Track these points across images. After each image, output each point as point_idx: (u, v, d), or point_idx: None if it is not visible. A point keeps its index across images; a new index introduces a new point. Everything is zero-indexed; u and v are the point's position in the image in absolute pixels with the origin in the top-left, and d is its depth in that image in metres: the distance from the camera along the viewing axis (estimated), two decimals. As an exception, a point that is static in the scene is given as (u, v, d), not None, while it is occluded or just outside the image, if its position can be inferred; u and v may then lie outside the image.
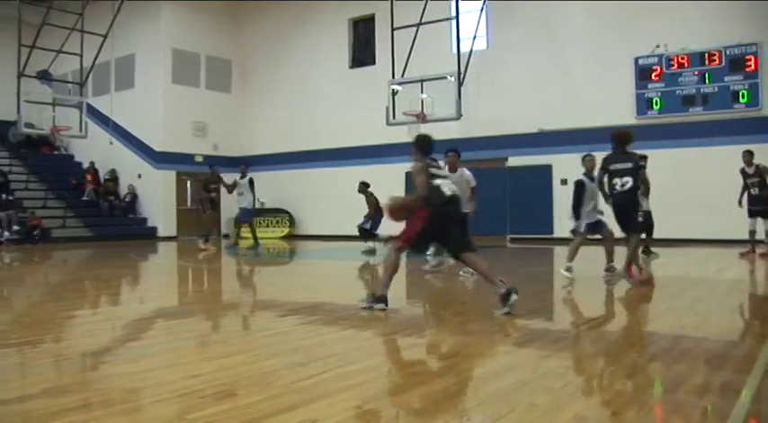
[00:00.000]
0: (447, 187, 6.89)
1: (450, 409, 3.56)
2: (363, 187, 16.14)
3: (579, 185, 9.85)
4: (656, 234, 13.37)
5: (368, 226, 16.04)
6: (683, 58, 17.22)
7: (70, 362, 4.85)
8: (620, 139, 9.06)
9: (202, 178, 18.02)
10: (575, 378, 4.12)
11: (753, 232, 13.09)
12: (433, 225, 6.73)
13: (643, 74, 17.73)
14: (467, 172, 10.63)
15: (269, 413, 3.36)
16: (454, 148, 10.94)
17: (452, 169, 10.38)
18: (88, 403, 3.67)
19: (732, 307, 7.43)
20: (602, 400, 3.62)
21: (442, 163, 8.03)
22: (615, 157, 8.99)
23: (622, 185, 8.82)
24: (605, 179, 9.18)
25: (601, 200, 9.62)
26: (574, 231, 9.99)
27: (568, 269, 9.72)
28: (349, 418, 3.36)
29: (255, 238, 17.14)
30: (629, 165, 8.85)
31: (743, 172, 13.27)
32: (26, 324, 6.59)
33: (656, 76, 17.55)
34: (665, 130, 17.16)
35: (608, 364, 4.67)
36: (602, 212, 9.83)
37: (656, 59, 17.54)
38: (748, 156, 13.13)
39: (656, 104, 17.56)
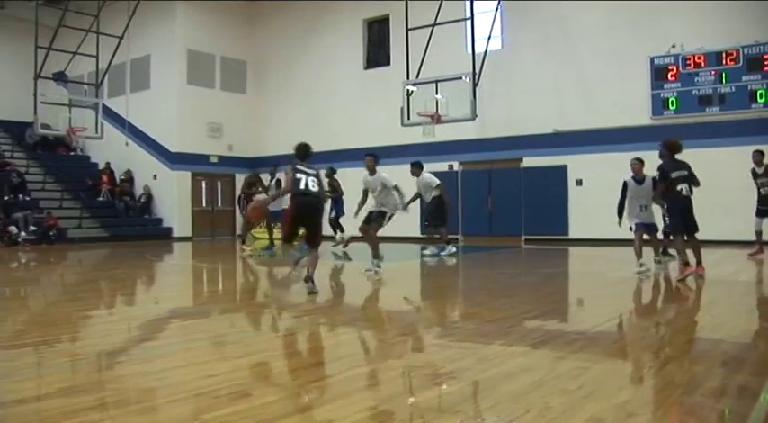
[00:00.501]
0: (304, 182, 8.30)
1: (465, 409, 3.55)
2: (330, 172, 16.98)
3: (622, 185, 10.80)
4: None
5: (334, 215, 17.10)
6: (699, 58, 17.08)
7: (86, 361, 4.87)
8: (673, 148, 9.84)
9: (246, 180, 18.20)
10: (590, 379, 4.10)
11: (759, 233, 13.09)
12: (296, 213, 8.37)
13: (659, 74, 17.59)
14: (383, 174, 11.51)
15: (284, 413, 3.37)
16: (371, 153, 12.11)
17: (371, 172, 11.66)
18: (104, 403, 3.69)
19: (749, 309, 7.37)
20: (618, 402, 3.60)
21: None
22: (673, 165, 9.70)
23: (685, 191, 9.63)
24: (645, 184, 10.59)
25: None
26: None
27: (640, 265, 10.30)
28: (364, 418, 3.36)
29: (272, 240, 17.19)
30: (685, 172, 9.66)
31: (753, 172, 13.18)
32: (42, 324, 6.62)
33: (672, 75, 17.41)
34: (681, 131, 16.94)
35: (623, 365, 4.65)
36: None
37: (672, 59, 17.41)
38: (759, 156, 13.06)
39: (672, 104, 17.43)
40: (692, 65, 17.16)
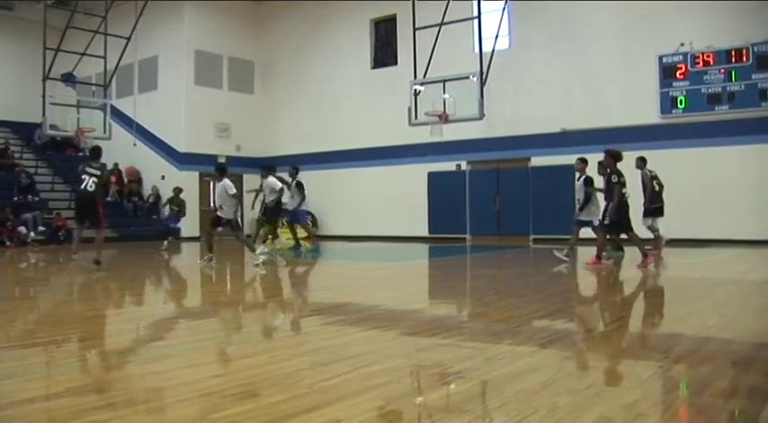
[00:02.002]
0: (85, 183, 11.14)
1: (473, 409, 3.54)
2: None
3: None
4: (682, 234, 14.96)
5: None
6: (708, 56, 16.99)
7: (95, 361, 4.89)
8: (618, 157, 11.33)
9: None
10: (598, 379, 4.09)
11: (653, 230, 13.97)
12: (75, 208, 11.64)
13: (667, 72, 17.51)
14: (227, 182, 12.89)
15: (291, 413, 3.36)
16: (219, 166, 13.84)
17: (219, 180, 13.11)
18: (112, 402, 3.70)
19: (759, 309, 7.33)
20: (627, 402, 3.58)
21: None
22: (619, 172, 11.13)
23: (627, 195, 11.25)
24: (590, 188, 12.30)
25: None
26: None
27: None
28: (371, 418, 3.35)
29: (297, 240, 17.81)
30: (624, 179, 11.23)
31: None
32: (52, 323, 6.65)
33: (680, 74, 17.32)
34: (690, 129, 16.99)
35: (632, 365, 4.62)
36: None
37: (680, 58, 17.32)
38: (641, 162, 13.80)
39: (681, 103, 17.34)
40: (701, 63, 17.07)
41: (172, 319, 7.07)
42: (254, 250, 12.92)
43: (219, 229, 13.34)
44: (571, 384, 3.93)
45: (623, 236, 12.11)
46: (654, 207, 13.65)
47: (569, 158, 18.72)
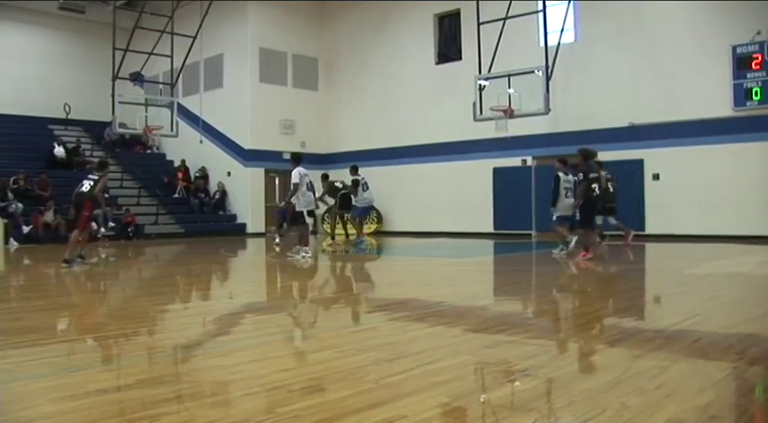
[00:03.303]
0: (82, 185, 11.73)
1: (539, 408, 3.49)
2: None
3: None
4: (762, 231, 15.10)
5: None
6: (787, 45, 16.37)
7: (163, 354, 4.98)
8: (589, 155, 12.50)
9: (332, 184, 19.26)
10: (669, 379, 3.97)
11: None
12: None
13: (741, 63, 16.84)
14: (294, 170, 12.95)
15: (357, 408, 3.36)
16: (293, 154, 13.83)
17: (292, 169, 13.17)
18: (180, 395, 3.76)
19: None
20: (699, 404, 3.47)
21: None
22: (590, 170, 12.16)
23: (595, 192, 12.32)
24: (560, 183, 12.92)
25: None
26: None
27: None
28: (437, 415, 3.34)
29: (358, 232, 18.49)
30: (596, 175, 12.46)
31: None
32: (121, 317, 6.80)
33: (756, 64, 16.64)
34: (766, 122, 16.43)
35: (704, 366, 4.48)
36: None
37: (756, 47, 16.66)
38: (597, 165, 14.26)
39: (756, 95, 16.67)
40: (779, 52, 16.44)
41: (238, 314, 7.16)
42: (302, 246, 13.26)
43: (305, 220, 13.41)
44: (641, 384, 3.84)
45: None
46: (608, 206, 14.35)
47: (637, 153, 18.47)
